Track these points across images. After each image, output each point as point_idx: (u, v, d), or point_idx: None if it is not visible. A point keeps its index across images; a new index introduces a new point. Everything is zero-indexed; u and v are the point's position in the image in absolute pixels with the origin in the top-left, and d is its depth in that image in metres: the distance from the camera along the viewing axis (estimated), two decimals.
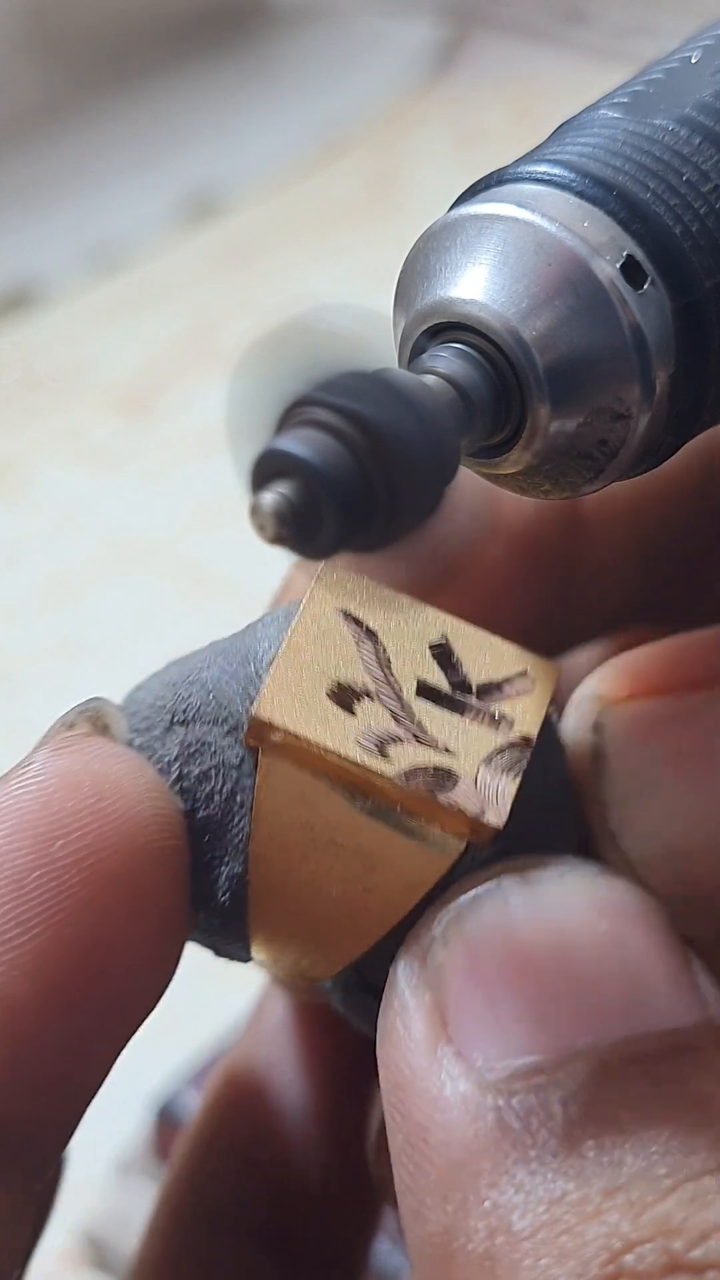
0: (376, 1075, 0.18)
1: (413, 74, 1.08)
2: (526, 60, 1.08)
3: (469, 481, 0.19)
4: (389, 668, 0.20)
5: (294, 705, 0.19)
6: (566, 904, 0.18)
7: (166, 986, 0.20)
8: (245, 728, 0.19)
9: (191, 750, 0.20)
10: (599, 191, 0.18)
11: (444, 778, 0.19)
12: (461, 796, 0.19)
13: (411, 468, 0.16)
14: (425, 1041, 0.18)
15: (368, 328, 0.18)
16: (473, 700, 0.20)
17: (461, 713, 0.20)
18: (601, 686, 0.21)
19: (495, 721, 0.20)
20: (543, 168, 0.18)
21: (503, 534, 0.24)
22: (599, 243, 0.18)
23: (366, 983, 0.20)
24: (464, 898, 0.19)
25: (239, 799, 0.20)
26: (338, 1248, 0.27)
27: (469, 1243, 0.16)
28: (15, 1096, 0.18)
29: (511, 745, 0.19)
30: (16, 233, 0.93)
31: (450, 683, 0.20)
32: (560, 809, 0.20)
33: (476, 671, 0.20)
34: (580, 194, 0.18)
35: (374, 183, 0.99)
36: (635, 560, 0.25)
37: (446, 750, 0.19)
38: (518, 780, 0.19)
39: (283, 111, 1.03)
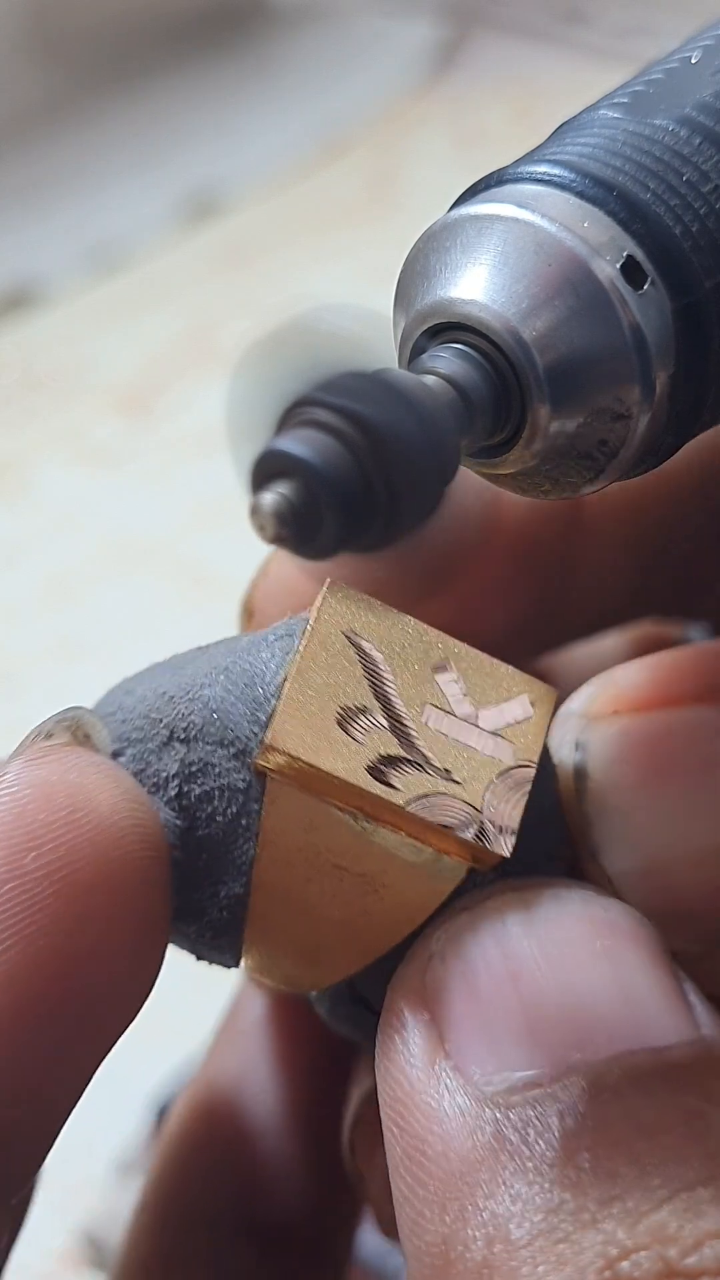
0: (351, 1073, 0.18)
1: (413, 74, 1.08)
2: (526, 60, 1.08)
3: (469, 481, 0.19)
4: (395, 693, 0.20)
5: (306, 733, 0.19)
6: (562, 923, 0.19)
7: (147, 995, 0.19)
8: (255, 754, 0.19)
9: (193, 770, 0.20)
10: (599, 192, 0.18)
11: (450, 804, 0.19)
12: (467, 824, 0.19)
13: (411, 468, 0.17)
14: (423, 1056, 0.18)
15: (368, 328, 0.18)
16: (475, 725, 0.20)
17: (465, 738, 0.20)
18: (584, 704, 0.21)
19: (498, 746, 0.20)
20: (543, 168, 0.18)
21: (502, 534, 0.24)
22: (599, 243, 0.18)
23: (357, 995, 0.21)
24: (462, 916, 0.19)
25: (244, 822, 0.20)
26: (321, 1241, 0.27)
27: (467, 1252, 0.16)
28: None
29: (514, 770, 0.20)
30: (16, 233, 0.93)
31: (454, 707, 0.20)
32: (552, 826, 0.21)
33: (478, 695, 0.20)
34: (580, 194, 0.18)
35: (374, 183, 0.99)
36: (635, 560, 0.25)
37: (451, 776, 0.19)
38: (522, 806, 0.19)
39: (283, 111, 1.03)
